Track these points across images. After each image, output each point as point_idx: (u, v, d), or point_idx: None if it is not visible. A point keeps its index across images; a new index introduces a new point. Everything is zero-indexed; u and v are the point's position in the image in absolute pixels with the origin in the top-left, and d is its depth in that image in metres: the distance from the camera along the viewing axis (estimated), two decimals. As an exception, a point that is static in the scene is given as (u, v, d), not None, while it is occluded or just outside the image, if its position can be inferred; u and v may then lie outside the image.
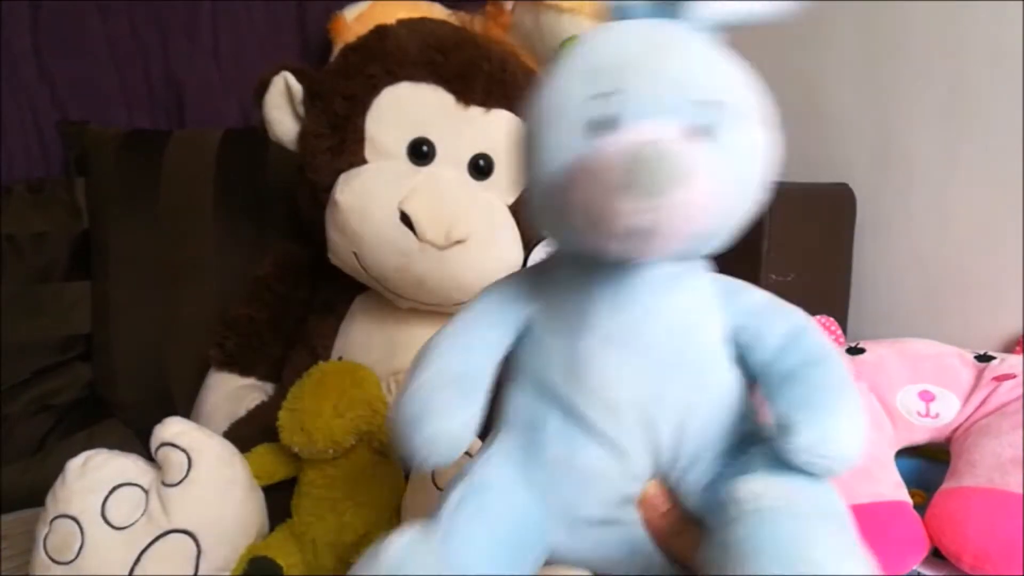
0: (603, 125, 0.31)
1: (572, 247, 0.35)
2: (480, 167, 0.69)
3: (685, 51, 0.32)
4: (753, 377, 0.36)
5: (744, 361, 0.36)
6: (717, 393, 0.35)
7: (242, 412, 0.71)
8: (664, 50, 0.32)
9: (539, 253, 0.76)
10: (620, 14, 0.34)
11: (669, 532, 0.35)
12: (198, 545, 0.55)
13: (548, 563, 0.38)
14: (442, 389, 0.35)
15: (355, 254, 0.67)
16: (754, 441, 0.35)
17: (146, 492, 0.56)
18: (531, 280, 0.38)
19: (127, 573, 0.54)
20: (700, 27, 0.33)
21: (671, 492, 0.36)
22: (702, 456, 0.35)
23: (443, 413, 0.34)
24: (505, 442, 0.37)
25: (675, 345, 0.35)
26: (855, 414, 0.32)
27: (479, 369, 0.36)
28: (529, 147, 0.34)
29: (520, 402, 0.37)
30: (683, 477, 0.35)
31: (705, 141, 0.30)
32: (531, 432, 0.37)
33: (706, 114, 0.31)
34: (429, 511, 0.59)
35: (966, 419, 0.63)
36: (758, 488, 0.31)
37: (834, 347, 0.35)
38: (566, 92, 0.32)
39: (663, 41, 0.32)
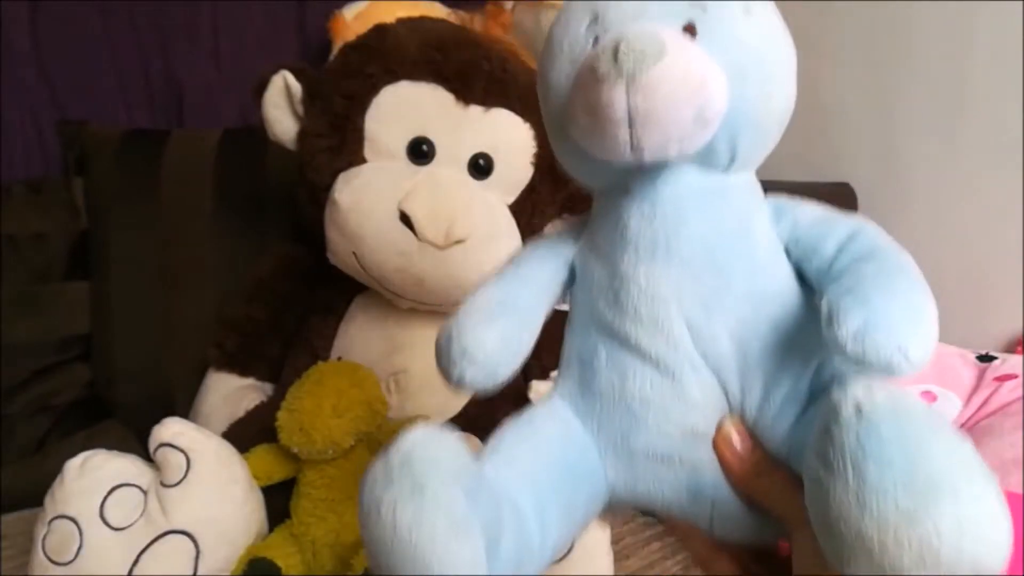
0: (596, 42, 0.32)
1: (596, 176, 0.35)
2: (480, 166, 0.69)
3: None
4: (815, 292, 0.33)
5: (803, 278, 0.33)
6: (778, 309, 0.32)
7: (241, 412, 0.71)
8: None
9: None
10: None
11: (750, 473, 0.32)
12: (197, 546, 0.55)
13: (609, 505, 0.35)
14: (475, 313, 0.35)
15: (355, 254, 0.66)
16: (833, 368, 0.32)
17: (145, 493, 0.56)
18: (575, 223, 0.38)
19: (126, 574, 0.54)
20: None
21: (751, 433, 0.32)
22: (778, 386, 0.32)
23: (474, 332, 0.34)
24: (563, 383, 0.36)
25: (719, 253, 0.33)
26: (914, 298, 0.29)
27: (521, 297, 0.36)
28: (543, 90, 0.34)
29: (575, 339, 0.36)
30: (760, 413, 0.32)
31: (688, 36, 0.31)
32: (585, 367, 0.35)
33: (690, 12, 0.31)
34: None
35: (968, 419, 0.63)
36: (875, 387, 0.27)
37: (895, 244, 0.32)
38: (564, 29, 0.34)
39: None
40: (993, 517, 0.25)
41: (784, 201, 0.35)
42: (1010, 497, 0.54)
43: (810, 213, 0.34)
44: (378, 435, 0.62)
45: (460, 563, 0.28)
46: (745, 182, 0.34)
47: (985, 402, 0.62)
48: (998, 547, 0.25)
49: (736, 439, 0.32)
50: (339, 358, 0.71)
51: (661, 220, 0.33)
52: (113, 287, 0.90)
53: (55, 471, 0.56)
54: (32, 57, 0.97)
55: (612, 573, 0.57)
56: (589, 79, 0.29)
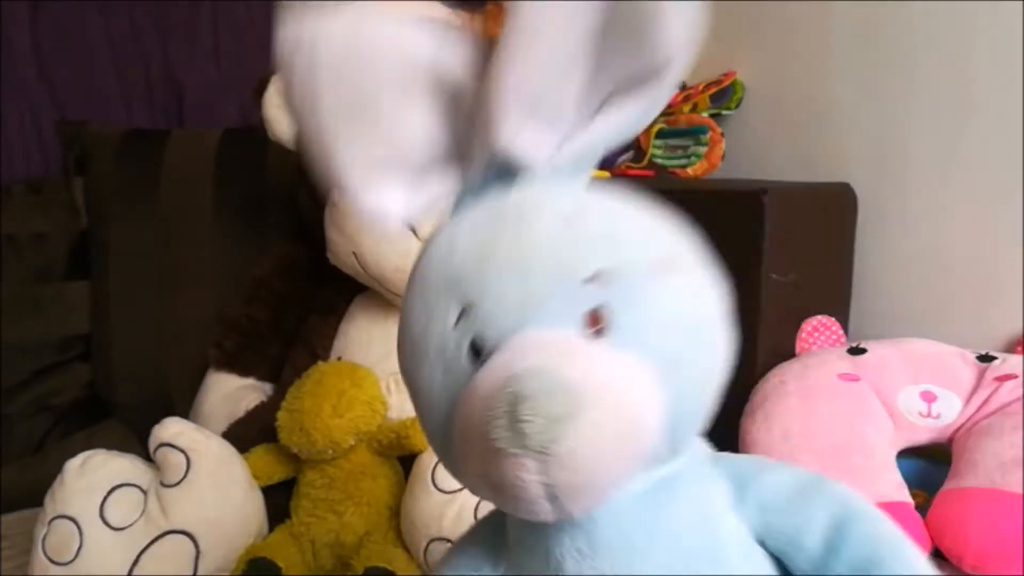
0: (477, 352, 0.24)
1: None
2: (480, 167, 0.69)
3: (540, 220, 0.25)
4: None
5: (784, 567, 0.28)
6: None
7: (241, 412, 0.71)
8: (513, 227, 0.25)
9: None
10: (462, 203, 0.27)
11: None
12: (197, 546, 0.55)
13: None
14: None
15: (355, 254, 0.66)
16: None
17: (145, 493, 0.56)
18: (495, 535, 0.31)
19: (126, 574, 0.53)
20: (557, 172, 0.26)
21: None
22: None
23: None
24: None
25: (679, 567, 0.27)
26: None
27: None
28: (411, 390, 0.28)
29: None
30: None
31: (601, 333, 0.24)
32: None
33: (593, 295, 0.24)
34: (429, 512, 0.59)
35: (967, 419, 0.63)
36: None
37: (881, 516, 0.27)
38: (426, 319, 0.26)
39: (510, 217, 0.25)
40: None
41: (741, 469, 0.28)
42: (1011, 498, 0.55)
43: (775, 489, 0.28)
44: (378, 435, 0.62)
45: None
46: (688, 462, 0.28)
47: (985, 402, 0.62)
48: None
49: None
50: (339, 358, 0.71)
51: (603, 556, 0.26)
52: (113, 287, 0.90)
53: (55, 471, 0.56)
54: (32, 57, 0.97)
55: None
56: (484, 448, 0.22)
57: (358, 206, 0.27)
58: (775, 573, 0.27)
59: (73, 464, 0.56)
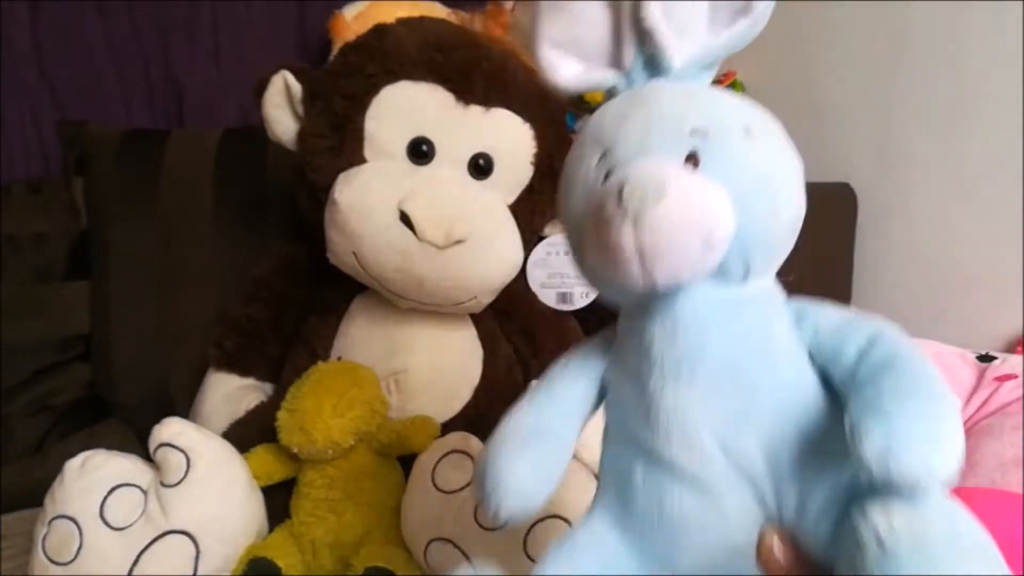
0: (605, 178, 0.34)
1: (619, 298, 0.36)
2: (480, 166, 0.69)
3: (663, 96, 0.35)
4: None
5: (828, 384, 0.34)
6: (805, 419, 0.33)
7: (241, 412, 0.71)
8: (644, 101, 0.35)
9: (539, 253, 0.76)
10: (615, 92, 0.37)
11: None
12: (197, 546, 0.55)
13: None
14: (510, 443, 0.36)
15: (355, 254, 0.66)
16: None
17: (145, 493, 0.56)
18: (604, 337, 0.39)
19: (126, 574, 0.54)
20: (685, 76, 0.36)
21: (793, 540, 0.32)
22: (813, 492, 0.32)
23: (507, 462, 0.36)
24: (601, 499, 0.37)
25: (741, 373, 0.34)
26: (934, 411, 0.29)
27: (551, 424, 0.37)
28: (563, 222, 0.37)
29: (610, 456, 0.37)
30: (799, 519, 0.32)
31: (691, 167, 0.33)
32: (623, 482, 0.36)
33: (692, 143, 0.33)
34: (429, 512, 0.59)
35: (968, 419, 0.63)
36: (882, 522, 0.28)
37: (914, 347, 0.32)
38: (577, 163, 0.36)
39: (644, 95, 0.35)
40: None
41: (806, 305, 0.35)
42: (1011, 498, 0.55)
43: (831, 317, 0.35)
44: (378, 435, 0.62)
45: None
46: (762, 290, 0.35)
47: (985, 402, 0.62)
48: None
49: (778, 549, 0.31)
50: (339, 358, 0.71)
51: (683, 339, 0.34)
52: (113, 287, 0.90)
53: (55, 471, 0.56)
54: (32, 57, 0.97)
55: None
56: (599, 219, 0.31)
57: (550, 75, 0.38)
58: (814, 381, 0.34)
59: (73, 464, 0.56)
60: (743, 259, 0.33)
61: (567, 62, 0.38)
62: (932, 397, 0.30)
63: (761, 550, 0.32)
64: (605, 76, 0.38)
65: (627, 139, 0.34)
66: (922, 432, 0.28)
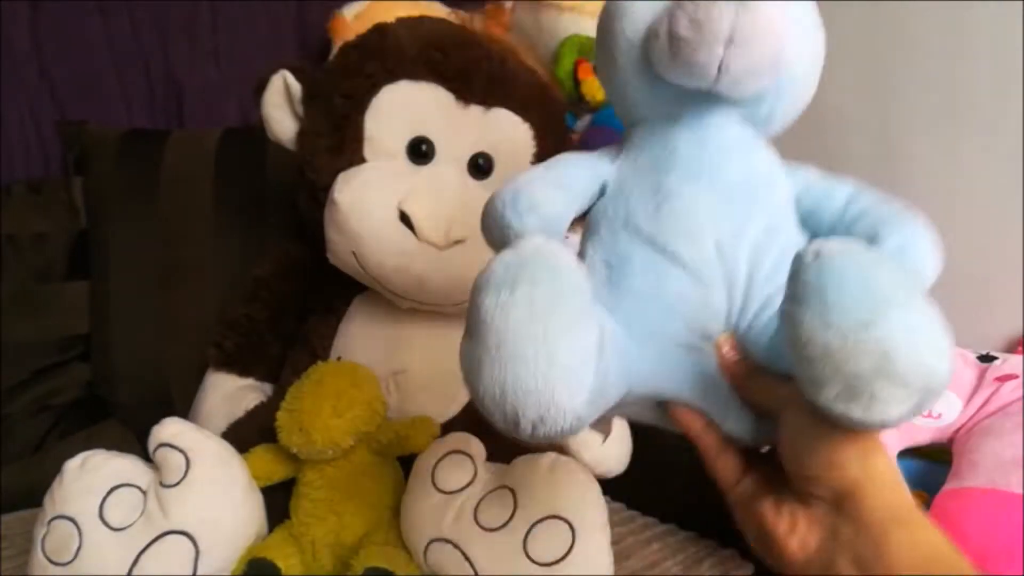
0: None
1: (651, 102, 0.39)
2: (480, 166, 0.69)
3: None
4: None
5: (808, 226, 0.40)
6: (785, 243, 0.38)
7: (241, 413, 0.71)
8: None
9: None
10: None
11: (742, 376, 0.37)
12: (196, 546, 0.55)
13: (628, 394, 0.38)
14: (540, 180, 0.40)
15: (354, 254, 0.66)
16: None
17: (144, 493, 0.56)
18: (611, 151, 0.43)
19: (125, 574, 0.53)
20: None
21: (741, 343, 0.38)
22: (769, 305, 0.37)
23: (544, 189, 0.39)
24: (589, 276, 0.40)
25: (751, 188, 0.39)
26: (927, 229, 0.38)
27: (571, 178, 0.41)
28: (617, 18, 0.39)
29: (600, 247, 0.40)
30: (750, 327, 0.38)
31: None
32: (614, 270, 0.39)
33: None
34: (429, 512, 0.59)
35: (968, 420, 0.63)
36: (830, 241, 0.32)
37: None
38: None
39: None
40: (938, 327, 0.29)
41: (795, 165, 0.42)
42: (1011, 498, 0.55)
43: (816, 172, 0.42)
44: (378, 435, 0.62)
45: (580, 350, 0.32)
46: (768, 145, 0.41)
47: (985, 402, 0.62)
48: (945, 355, 0.29)
49: (727, 349, 0.38)
50: (339, 358, 0.71)
51: (709, 149, 0.38)
52: (113, 287, 0.90)
53: (55, 471, 0.56)
54: (32, 57, 0.97)
55: (612, 573, 0.57)
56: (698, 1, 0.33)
57: None
58: (795, 219, 0.40)
59: (72, 464, 0.56)
60: (772, 104, 0.38)
61: None
62: (916, 220, 0.38)
63: (716, 347, 0.38)
64: None
65: None
66: (924, 239, 0.38)
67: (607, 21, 0.40)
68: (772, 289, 0.37)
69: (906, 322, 0.29)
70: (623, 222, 0.40)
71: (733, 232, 0.38)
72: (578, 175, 0.41)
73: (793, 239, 0.39)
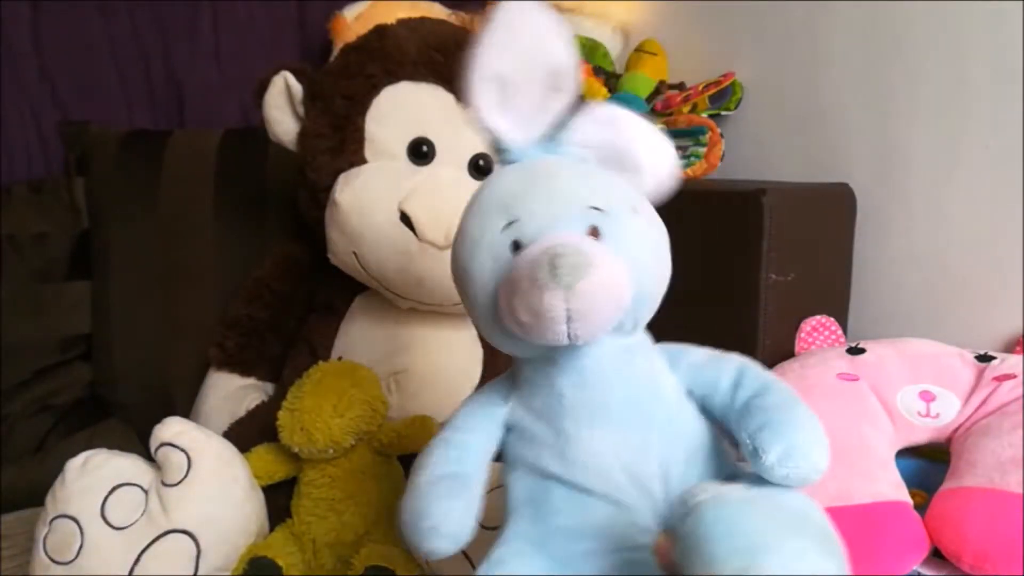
0: (517, 247, 0.38)
1: (525, 351, 0.41)
2: (480, 167, 0.69)
3: (562, 175, 0.40)
4: (719, 422, 0.42)
5: (706, 411, 0.42)
6: (689, 442, 0.41)
7: (242, 412, 0.71)
8: (549, 177, 0.40)
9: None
10: (512, 157, 0.42)
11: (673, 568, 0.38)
12: (198, 545, 0.55)
13: None
14: (436, 488, 0.41)
15: (355, 254, 0.67)
16: (739, 479, 0.40)
17: (146, 492, 0.56)
18: (504, 384, 0.45)
19: (127, 573, 0.54)
20: (576, 154, 0.42)
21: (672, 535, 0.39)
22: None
23: (439, 507, 0.40)
24: (516, 523, 0.43)
25: (641, 409, 0.41)
26: (813, 425, 0.39)
27: (466, 468, 0.42)
28: (465, 279, 0.41)
29: (521, 487, 0.43)
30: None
31: (597, 240, 0.38)
32: (537, 508, 0.42)
33: (593, 217, 0.39)
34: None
35: (966, 419, 0.63)
36: (707, 487, 0.34)
37: (772, 375, 0.42)
38: (482, 228, 0.40)
39: (541, 171, 0.40)
40: (813, 556, 0.31)
41: (673, 348, 0.43)
42: (1009, 497, 0.55)
43: (698, 356, 0.43)
44: (378, 434, 0.62)
45: None
46: (642, 339, 0.43)
47: (984, 402, 0.62)
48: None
49: (665, 549, 0.37)
50: (339, 358, 0.72)
51: (591, 387, 0.40)
52: (114, 287, 0.90)
53: (56, 471, 0.56)
54: (33, 58, 0.97)
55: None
56: (529, 287, 0.36)
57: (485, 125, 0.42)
58: (694, 410, 0.42)
59: (74, 464, 0.56)
60: (635, 315, 0.40)
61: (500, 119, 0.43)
62: (803, 408, 0.39)
63: (656, 550, 0.37)
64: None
65: (533, 212, 0.39)
66: (807, 439, 0.38)
67: (456, 272, 0.42)
68: (691, 480, 0.40)
69: (780, 562, 0.30)
70: (532, 466, 0.42)
71: (636, 457, 0.40)
72: (475, 444, 0.43)
73: (694, 429, 0.42)
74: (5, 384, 0.86)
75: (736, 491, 0.34)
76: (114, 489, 0.55)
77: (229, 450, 0.59)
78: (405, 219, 0.64)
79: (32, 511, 0.65)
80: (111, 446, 0.59)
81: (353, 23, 0.97)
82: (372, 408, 0.61)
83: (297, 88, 0.69)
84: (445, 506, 0.40)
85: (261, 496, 0.61)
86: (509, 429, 0.44)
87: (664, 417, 0.41)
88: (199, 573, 0.55)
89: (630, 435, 0.41)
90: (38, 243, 0.91)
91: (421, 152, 0.68)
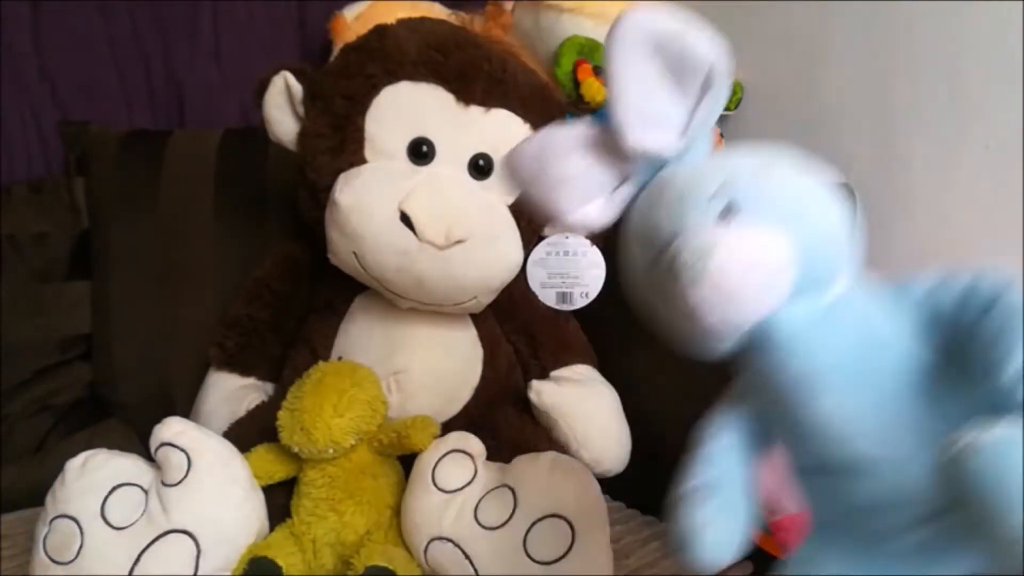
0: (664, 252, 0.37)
1: (727, 349, 0.39)
2: (480, 167, 0.69)
3: (676, 180, 0.39)
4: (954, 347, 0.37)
5: (942, 339, 0.38)
6: (919, 387, 0.37)
7: (242, 412, 0.71)
8: (662, 189, 0.39)
9: (539, 253, 0.76)
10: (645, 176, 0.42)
11: None
12: (198, 545, 0.55)
13: None
14: (703, 502, 0.39)
15: (355, 254, 0.67)
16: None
17: (146, 492, 0.56)
18: (732, 396, 0.43)
19: (127, 573, 0.54)
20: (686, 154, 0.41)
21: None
22: (924, 449, 0.36)
23: (717, 521, 0.39)
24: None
25: (859, 365, 0.37)
26: None
27: (731, 475, 0.41)
28: (648, 317, 0.40)
29: (800, 486, 0.41)
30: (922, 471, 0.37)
31: (730, 221, 0.36)
32: (816, 503, 0.41)
33: (718, 202, 0.37)
34: (429, 511, 0.59)
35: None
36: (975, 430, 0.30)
37: (1007, 283, 0.40)
38: (626, 263, 0.41)
39: (660, 185, 0.40)
40: None
41: (895, 288, 0.40)
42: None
43: (918, 290, 0.40)
44: (378, 434, 0.62)
45: None
46: (850, 294, 0.38)
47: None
48: None
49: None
50: (340, 358, 0.72)
51: (795, 363, 0.37)
52: (114, 287, 0.90)
53: (56, 471, 0.56)
54: (33, 57, 0.97)
55: (612, 572, 0.57)
56: (672, 298, 0.35)
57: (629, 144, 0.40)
58: (920, 353, 0.37)
59: (74, 464, 0.56)
60: (811, 275, 0.36)
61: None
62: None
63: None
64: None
65: (659, 227, 0.38)
66: None
67: (639, 314, 0.41)
68: (926, 433, 0.36)
69: None
70: (794, 460, 0.41)
71: (869, 412, 0.37)
72: (728, 459, 0.41)
73: (923, 376, 0.38)
74: (5, 384, 0.86)
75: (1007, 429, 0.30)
76: (114, 489, 0.55)
77: (229, 450, 0.59)
78: (405, 219, 0.64)
79: (32, 511, 0.65)
80: (111, 446, 0.59)
81: (353, 23, 0.97)
82: (372, 408, 0.61)
83: (297, 88, 0.69)
84: (721, 521, 0.39)
85: (261, 496, 0.61)
86: (760, 424, 0.42)
87: (891, 368, 0.37)
88: (199, 573, 0.55)
89: (857, 396, 0.37)
90: (38, 243, 0.91)
91: (421, 152, 0.68)
